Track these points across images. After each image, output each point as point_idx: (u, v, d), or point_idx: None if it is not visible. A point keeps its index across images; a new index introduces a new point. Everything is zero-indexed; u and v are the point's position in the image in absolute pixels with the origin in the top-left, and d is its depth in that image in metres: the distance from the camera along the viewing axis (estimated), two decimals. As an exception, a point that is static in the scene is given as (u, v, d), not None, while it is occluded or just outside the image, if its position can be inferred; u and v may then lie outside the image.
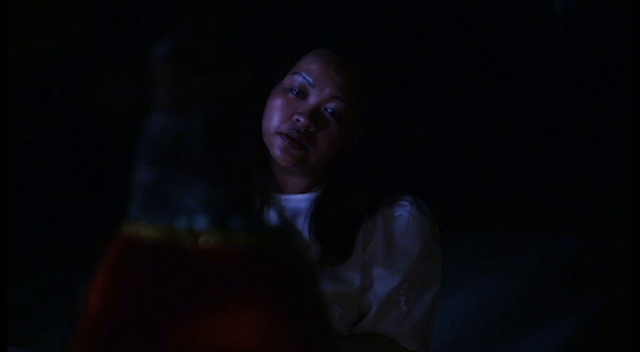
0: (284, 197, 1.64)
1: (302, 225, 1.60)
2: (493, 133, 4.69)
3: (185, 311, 0.84)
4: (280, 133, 1.57)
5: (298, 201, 1.63)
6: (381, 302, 1.56)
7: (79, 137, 3.60)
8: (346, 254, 1.57)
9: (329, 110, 1.58)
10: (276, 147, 1.57)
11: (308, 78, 1.58)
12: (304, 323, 0.87)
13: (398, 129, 1.72)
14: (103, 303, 0.87)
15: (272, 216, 1.61)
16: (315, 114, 1.57)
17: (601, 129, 4.66)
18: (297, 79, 1.59)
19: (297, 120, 1.57)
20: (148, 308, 0.85)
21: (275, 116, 1.58)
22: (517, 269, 3.39)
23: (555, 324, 2.99)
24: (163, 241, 0.85)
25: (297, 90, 1.59)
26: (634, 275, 2.30)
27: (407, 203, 1.62)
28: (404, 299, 1.57)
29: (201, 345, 0.83)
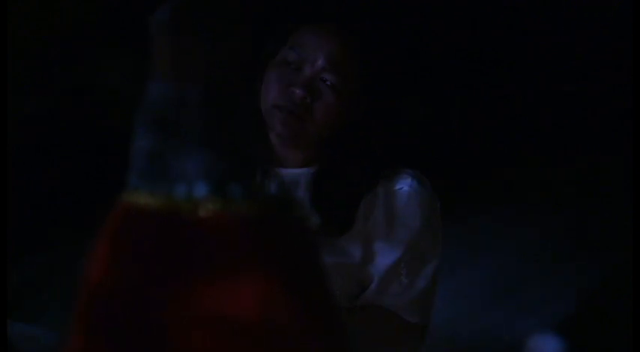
0: (283, 171, 1.64)
1: (302, 199, 1.59)
2: (494, 111, 4.67)
3: (185, 279, 0.84)
4: (278, 106, 1.57)
5: (297, 175, 1.63)
6: (382, 274, 1.56)
7: (78, 115, 3.59)
8: (346, 226, 1.57)
9: (324, 81, 1.58)
10: (275, 121, 1.57)
11: (302, 50, 1.59)
12: (305, 291, 0.86)
13: (396, 104, 1.71)
14: (103, 273, 0.87)
15: (272, 190, 1.61)
16: (310, 85, 1.57)
17: (602, 106, 4.64)
18: (292, 52, 1.59)
19: (293, 92, 1.57)
20: (148, 276, 0.85)
21: (272, 89, 1.58)
22: (518, 248, 3.38)
23: (556, 303, 2.99)
24: (163, 209, 0.84)
25: (292, 62, 1.59)
26: (634, 275, 2.30)
27: (408, 176, 1.62)
28: (405, 272, 1.57)
29: (201, 313, 0.83)
